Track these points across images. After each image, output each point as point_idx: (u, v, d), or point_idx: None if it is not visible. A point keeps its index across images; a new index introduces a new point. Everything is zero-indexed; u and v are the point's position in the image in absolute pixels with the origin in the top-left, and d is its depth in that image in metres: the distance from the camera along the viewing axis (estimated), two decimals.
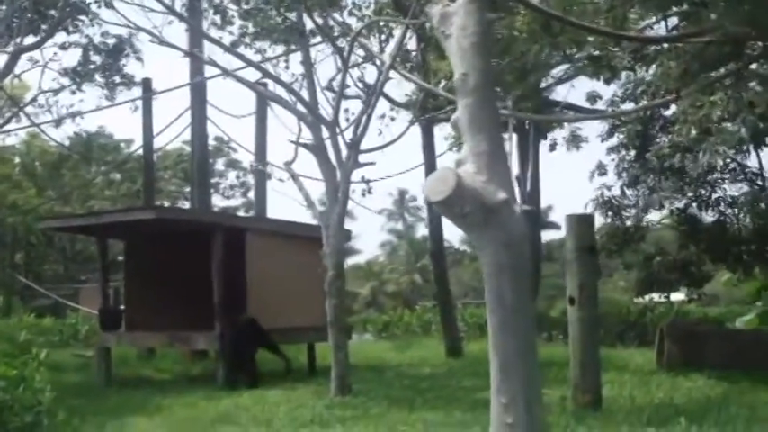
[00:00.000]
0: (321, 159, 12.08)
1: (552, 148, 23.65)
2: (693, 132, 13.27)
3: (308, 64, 12.33)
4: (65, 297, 33.63)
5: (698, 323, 17.29)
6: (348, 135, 12.42)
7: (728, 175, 14.88)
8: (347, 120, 12.60)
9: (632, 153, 14.70)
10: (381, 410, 11.17)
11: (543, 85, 21.69)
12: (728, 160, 14.34)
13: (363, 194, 13.11)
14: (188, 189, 37.44)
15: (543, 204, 53.18)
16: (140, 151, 25.16)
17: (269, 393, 13.39)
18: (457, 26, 4.49)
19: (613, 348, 20.47)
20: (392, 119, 13.67)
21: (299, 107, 12.35)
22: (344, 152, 12.33)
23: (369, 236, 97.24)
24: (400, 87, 27.88)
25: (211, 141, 33.01)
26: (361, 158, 12.27)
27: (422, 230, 70.98)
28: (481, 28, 4.45)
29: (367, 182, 13.57)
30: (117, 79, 22.22)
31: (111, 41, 21.89)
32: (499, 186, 4.14)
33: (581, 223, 11.71)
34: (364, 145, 12.58)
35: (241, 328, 14.76)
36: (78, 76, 22.27)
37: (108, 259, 17.91)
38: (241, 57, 11.76)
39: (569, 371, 11.47)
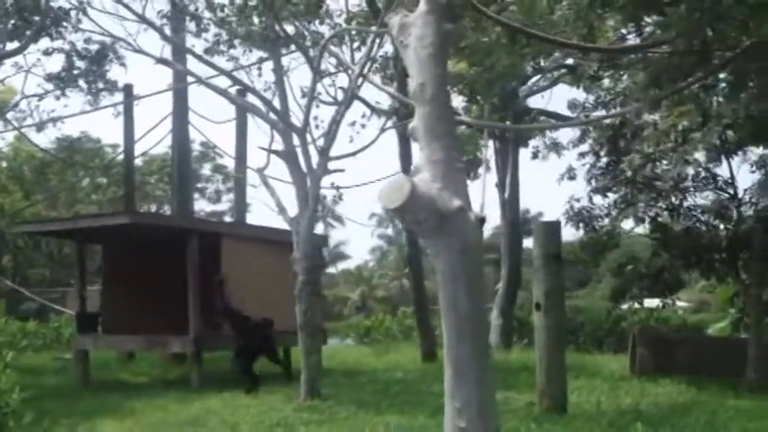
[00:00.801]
0: (292, 166, 12.20)
1: (534, 155, 23.87)
2: (667, 142, 13.41)
3: (279, 72, 12.46)
4: (51, 300, 33.54)
5: (669, 330, 17.52)
6: (322, 142, 12.55)
7: (700, 184, 14.98)
8: (317, 127, 12.72)
9: (603, 161, 14.83)
10: (347, 414, 11.29)
11: (525, 92, 21.98)
12: (699, 169, 14.45)
13: (335, 201, 13.21)
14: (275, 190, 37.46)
15: (534, 211, 53.47)
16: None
17: (240, 396, 13.50)
18: (415, 36, 4.54)
19: (590, 354, 20.63)
20: (363, 126, 13.79)
21: (272, 114, 12.48)
22: (316, 159, 12.46)
23: (359, 241, 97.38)
24: (380, 94, 27.91)
25: (197, 147, 33.14)
26: (333, 165, 12.41)
27: None
28: (439, 38, 4.51)
29: (337, 188, 13.70)
30: (100, 85, 22.26)
31: (95, 47, 21.94)
32: (454, 194, 4.20)
33: (547, 231, 11.87)
34: (338, 152, 12.74)
35: (255, 328, 14.46)
36: (62, 81, 22.32)
37: (86, 263, 17.99)
38: (211, 64, 11.88)
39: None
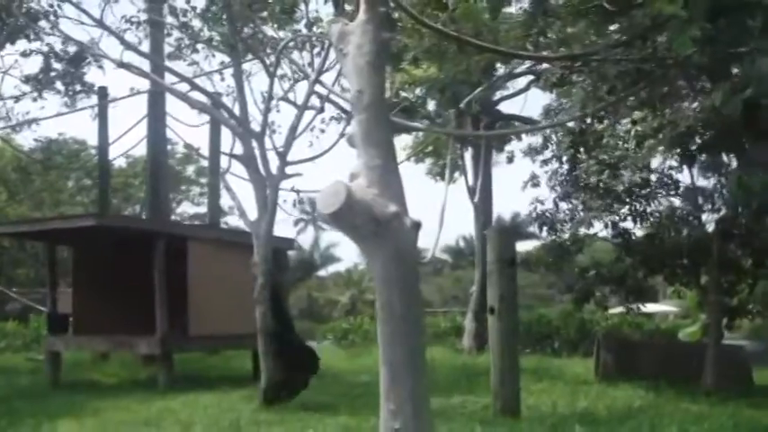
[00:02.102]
0: (251, 170, 12.33)
1: (510, 160, 24.04)
2: (622, 149, 13.56)
3: (239, 76, 12.60)
4: (36, 301, 33.55)
5: (634, 334, 17.68)
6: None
7: (662, 190, 15.12)
8: (274, 132, 12.86)
9: (564, 167, 14.98)
10: (302, 416, 11.40)
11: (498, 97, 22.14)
12: (656, 175, 14.60)
13: (294, 204, 13.35)
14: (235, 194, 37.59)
15: (525, 215, 53.64)
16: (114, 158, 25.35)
17: (203, 397, 13.62)
18: (354, 45, 4.59)
19: (559, 358, 20.81)
20: (322, 131, 13.91)
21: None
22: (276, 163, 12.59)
23: (349, 244, 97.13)
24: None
25: (181, 149, 33.23)
26: (294, 170, 12.54)
27: None
28: (376, 47, 4.57)
29: (298, 192, 13.83)
30: (78, 87, 22.39)
31: (73, 50, 22.05)
32: (390, 199, 4.25)
33: (501, 236, 12.02)
34: (300, 156, 12.86)
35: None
36: (39, 83, 22.43)
37: (56, 265, 18.09)
38: (170, 69, 12.02)
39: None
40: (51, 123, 77.53)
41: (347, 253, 74.86)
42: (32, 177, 35.09)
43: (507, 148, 23.78)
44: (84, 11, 12.01)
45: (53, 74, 22.37)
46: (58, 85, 22.50)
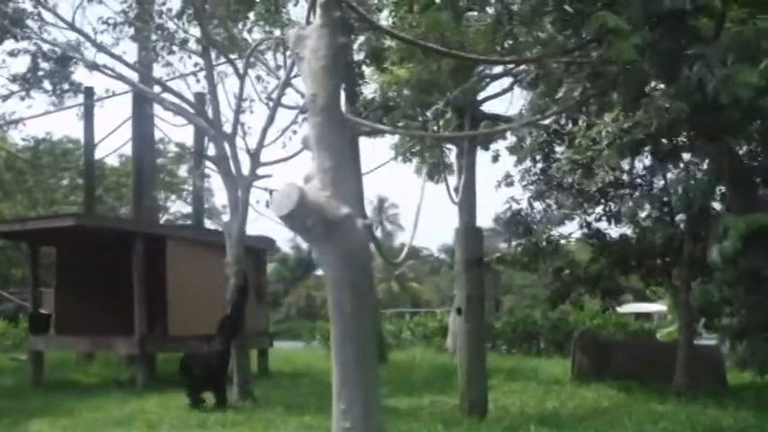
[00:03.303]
0: (223, 171, 12.45)
1: (495, 159, 24.02)
2: (593, 149, 13.64)
3: (210, 78, 12.72)
4: (29, 301, 33.65)
5: (614, 335, 17.78)
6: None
7: (637, 191, 15.19)
8: (245, 133, 12.98)
9: (538, 167, 15.08)
10: (270, 416, 11.53)
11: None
12: (631, 176, 14.68)
13: (267, 205, 13.42)
14: (157, 195, 37.72)
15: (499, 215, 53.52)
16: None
17: (178, 397, 13.69)
18: (310, 49, 4.67)
19: (542, 358, 20.91)
20: (294, 132, 14.02)
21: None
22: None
23: None
24: None
25: (173, 148, 33.33)
26: (263, 170, 12.66)
27: (400, 238, 71.55)
28: (331, 51, 4.64)
29: (271, 192, 13.87)
30: (65, 86, 22.42)
31: (60, 49, 22.08)
32: (343, 201, 4.33)
33: (468, 237, 12.10)
34: (276, 157, 12.99)
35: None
36: (27, 82, 22.46)
37: (38, 264, 18.23)
38: (141, 71, 12.13)
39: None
40: (40, 122, 77.43)
41: None
42: (25, 177, 35.21)
43: (494, 146, 23.76)
44: (56, 14, 12.14)
45: (41, 73, 22.39)
46: (46, 84, 22.49)
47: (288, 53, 13.23)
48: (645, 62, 7.09)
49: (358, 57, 18.99)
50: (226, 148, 12.44)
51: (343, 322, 4.37)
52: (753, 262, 7.86)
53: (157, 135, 24.03)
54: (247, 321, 15.88)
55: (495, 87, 23.48)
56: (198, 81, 13.53)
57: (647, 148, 12.61)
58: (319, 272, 70.84)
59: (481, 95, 21.61)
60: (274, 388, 14.45)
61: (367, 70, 19.95)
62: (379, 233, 73.41)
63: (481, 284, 11.94)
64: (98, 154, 30.03)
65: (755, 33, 6.64)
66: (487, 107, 21.91)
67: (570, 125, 14.86)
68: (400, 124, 19.92)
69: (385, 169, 77.82)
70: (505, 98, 23.64)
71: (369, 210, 73.65)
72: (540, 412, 12.02)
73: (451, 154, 23.29)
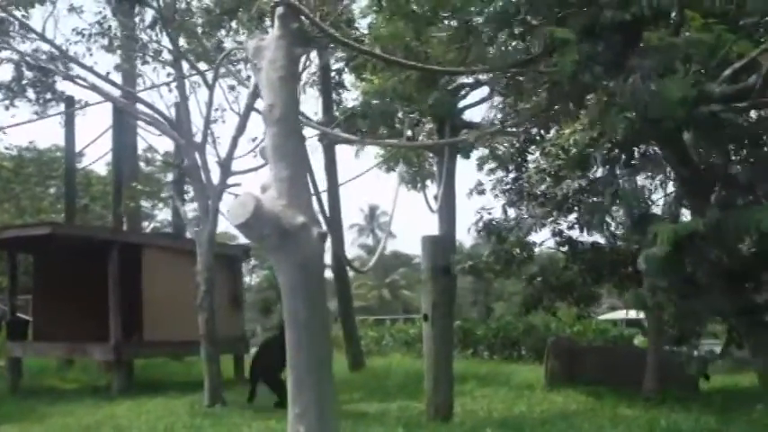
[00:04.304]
0: (193, 180, 12.60)
1: (480, 167, 24.15)
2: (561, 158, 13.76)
3: (181, 88, 12.88)
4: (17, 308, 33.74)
5: (582, 341, 17.93)
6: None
7: (608, 199, 15.29)
8: (213, 142, 13.14)
9: (510, 175, 15.21)
10: (237, 420, 11.66)
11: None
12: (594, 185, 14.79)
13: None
14: (146, 204, 37.94)
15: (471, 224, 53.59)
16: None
17: (150, 403, 13.85)
18: (267, 59, 4.69)
19: (522, 364, 21.06)
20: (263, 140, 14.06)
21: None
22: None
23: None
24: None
25: (159, 157, 33.42)
26: (234, 179, 12.82)
27: (392, 245, 71.70)
28: (288, 62, 4.69)
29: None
30: (48, 96, 22.54)
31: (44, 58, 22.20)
32: (298, 210, 4.37)
33: (435, 245, 12.24)
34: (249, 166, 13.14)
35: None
36: (11, 91, 22.57)
37: (17, 272, 18.37)
38: (112, 82, 12.29)
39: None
40: (24, 130, 77.36)
41: None
42: (12, 186, 35.29)
43: (477, 154, 23.91)
44: (27, 25, 12.29)
45: (24, 82, 22.49)
46: (30, 93, 22.59)
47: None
48: (586, 74, 7.20)
49: (339, 65, 19.18)
50: (197, 158, 12.59)
51: (297, 329, 4.41)
52: (682, 268, 8.01)
53: (145, 144, 24.29)
54: (222, 327, 16.07)
55: (476, 96, 23.82)
56: (170, 91, 13.70)
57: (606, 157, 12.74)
58: None
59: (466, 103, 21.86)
60: (246, 393, 14.54)
61: (350, 78, 20.15)
62: (370, 241, 73.72)
63: (447, 292, 12.09)
64: (86, 162, 30.39)
65: (685, 43, 6.78)
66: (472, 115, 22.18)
67: (543, 133, 14.98)
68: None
69: (377, 177, 77.83)
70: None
71: (360, 218, 73.96)
72: (505, 416, 12.19)
73: (435, 162, 23.42)
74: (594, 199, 14.53)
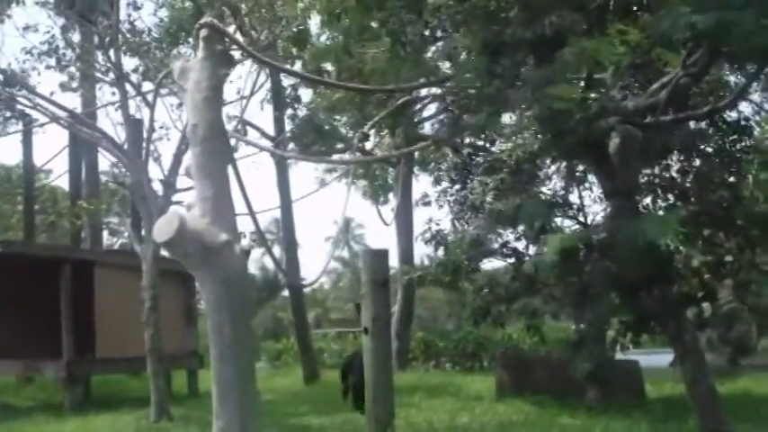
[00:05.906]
0: (137, 196, 12.76)
1: (437, 181, 24.46)
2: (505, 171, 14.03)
3: (125, 108, 13.06)
4: None
5: (531, 351, 18.10)
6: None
7: (558, 211, 15.54)
8: (155, 160, 13.31)
9: (455, 187, 15.46)
10: None
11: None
12: (547, 196, 15.05)
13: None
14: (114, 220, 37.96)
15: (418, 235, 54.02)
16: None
17: (99, 419, 13.94)
18: (192, 80, 4.83)
19: (475, 374, 21.25)
20: None
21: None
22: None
23: (314, 264, 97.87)
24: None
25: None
26: (178, 197, 12.99)
27: None
28: (213, 83, 4.81)
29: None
30: (8, 114, 22.59)
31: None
32: (222, 228, 4.50)
33: (374, 258, 12.41)
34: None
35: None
36: None
37: None
38: (53, 102, 12.49)
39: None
40: None
41: (312, 273, 75.30)
42: None
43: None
44: None
45: None
46: None
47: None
48: (486, 88, 7.42)
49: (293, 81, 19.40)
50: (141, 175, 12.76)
51: (221, 344, 4.52)
52: (573, 277, 8.24)
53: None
54: (174, 342, 16.24)
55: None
56: (117, 110, 13.87)
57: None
58: (285, 293, 71.09)
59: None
60: (197, 408, 14.65)
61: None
62: (345, 253, 73.83)
63: (387, 305, 12.27)
64: (51, 178, 30.38)
65: (576, 54, 6.99)
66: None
67: (488, 146, 15.27)
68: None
69: (349, 188, 77.60)
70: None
71: (334, 230, 74.04)
72: (446, 427, 12.37)
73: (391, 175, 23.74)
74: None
